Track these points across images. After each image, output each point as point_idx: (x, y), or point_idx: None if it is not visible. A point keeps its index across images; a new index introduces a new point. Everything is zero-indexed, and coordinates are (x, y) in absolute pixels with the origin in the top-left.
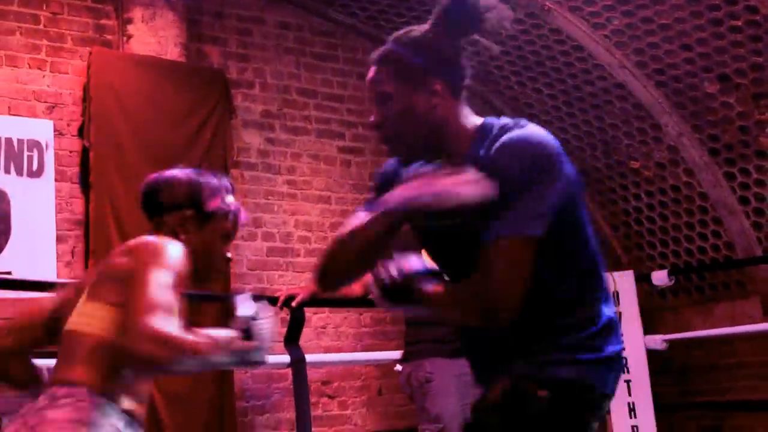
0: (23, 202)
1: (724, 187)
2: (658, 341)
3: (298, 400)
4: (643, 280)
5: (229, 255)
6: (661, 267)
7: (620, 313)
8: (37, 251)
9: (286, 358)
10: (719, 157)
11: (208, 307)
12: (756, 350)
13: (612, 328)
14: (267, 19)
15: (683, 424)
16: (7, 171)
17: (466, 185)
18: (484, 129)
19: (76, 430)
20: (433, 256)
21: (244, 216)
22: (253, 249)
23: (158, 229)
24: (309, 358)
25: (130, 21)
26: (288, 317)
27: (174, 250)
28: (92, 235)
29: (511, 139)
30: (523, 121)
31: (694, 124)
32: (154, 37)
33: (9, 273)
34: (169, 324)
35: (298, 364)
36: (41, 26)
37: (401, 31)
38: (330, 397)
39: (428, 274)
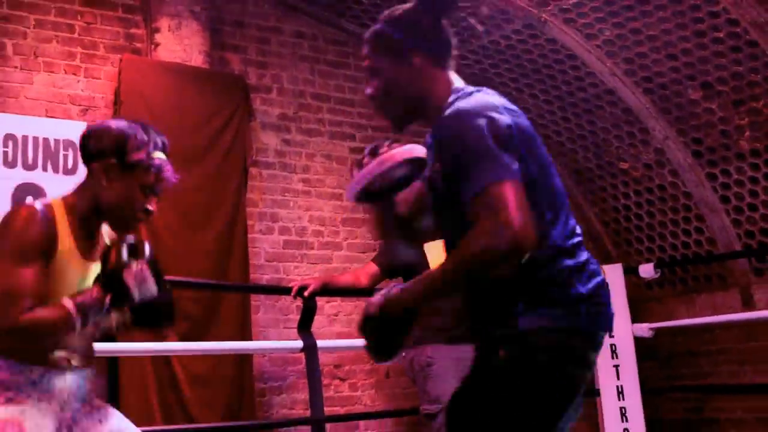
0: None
1: (706, 187)
2: (644, 329)
3: (311, 381)
4: (630, 273)
5: (150, 207)
6: (648, 260)
7: None
8: None
9: (299, 344)
10: (702, 159)
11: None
12: (735, 338)
13: (579, 270)
14: (284, 28)
15: (668, 406)
16: (44, 169)
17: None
18: (451, 98)
19: None
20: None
21: (169, 172)
22: (271, 242)
23: (87, 177)
24: (322, 343)
25: (157, 30)
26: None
27: (14, 224)
28: None
29: (447, 115)
30: (469, 90)
31: (679, 128)
32: (179, 45)
33: None
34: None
35: (309, 349)
36: (76, 35)
37: (387, 11)
38: (341, 379)
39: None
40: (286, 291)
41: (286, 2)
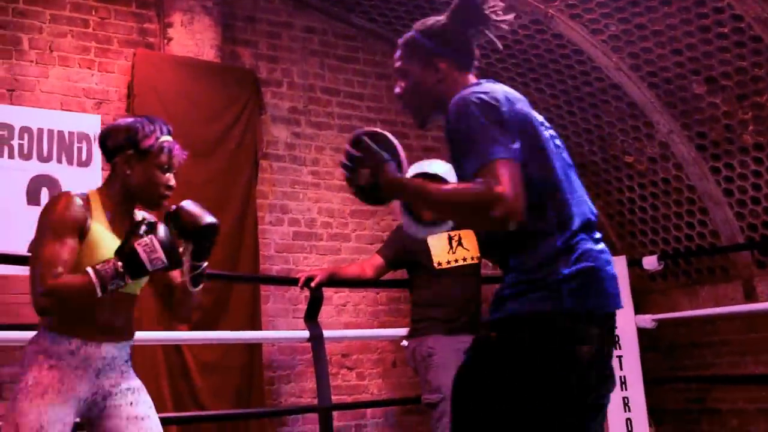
0: (73, 189)
1: (710, 181)
2: (647, 320)
3: (318, 370)
4: (634, 265)
5: (171, 183)
6: (652, 253)
7: None
8: None
9: (306, 334)
10: (706, 152)
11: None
12: (737, 329)
13: (567, 252)
14: (294, 23)
15: (670, 396)
16: (59, 161)
17: None
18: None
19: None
20: None
21: (177, 150)
22: (281, 233)
23: (113, 170)
24: (330, 333)
25: (170, 25)
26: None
27: (53, 206)
28: None
29: (453, 102)
30: (480, 82)
31: (683, 122)
32: (192, 39)
33: None
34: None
35: (316, 339)
36: (90, 30)
37: (421, 20)
38: (349, 368)
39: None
40: (295, 281)
41: None
